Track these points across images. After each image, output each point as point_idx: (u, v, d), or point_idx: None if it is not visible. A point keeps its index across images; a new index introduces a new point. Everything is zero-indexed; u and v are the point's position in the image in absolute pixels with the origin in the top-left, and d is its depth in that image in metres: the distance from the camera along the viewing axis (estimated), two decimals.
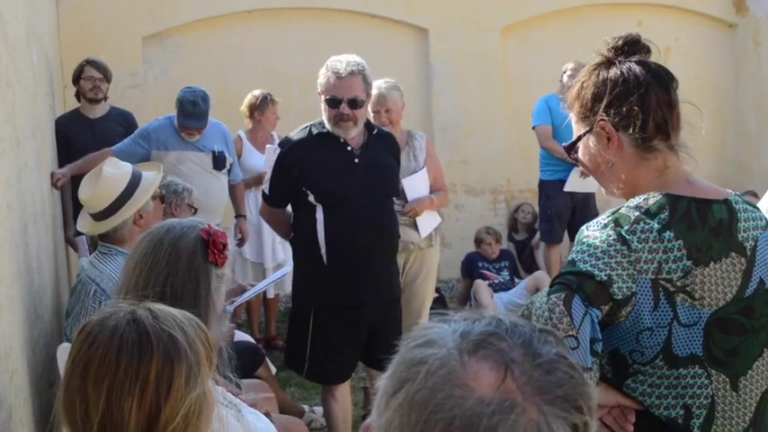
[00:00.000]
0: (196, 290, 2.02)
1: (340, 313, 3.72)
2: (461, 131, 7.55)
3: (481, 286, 6.52)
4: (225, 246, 2.10)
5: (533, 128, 6.58)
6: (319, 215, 3.66)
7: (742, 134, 8.20)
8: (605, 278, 1.66)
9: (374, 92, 4.57)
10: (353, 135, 3.70)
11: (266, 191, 3.85)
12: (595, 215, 6.76)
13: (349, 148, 3.70)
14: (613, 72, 1.80)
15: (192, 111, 5.03)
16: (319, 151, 3.67)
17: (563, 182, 6.39)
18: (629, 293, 1.68)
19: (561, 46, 7.42)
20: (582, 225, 1.85)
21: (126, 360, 1.40)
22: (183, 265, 2.04)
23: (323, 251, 3.67)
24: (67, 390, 1.42)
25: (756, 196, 6.36)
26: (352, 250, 3.66)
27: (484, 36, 7.49)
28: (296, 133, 3.79)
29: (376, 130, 3.85)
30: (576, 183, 6.32)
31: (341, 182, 3.66)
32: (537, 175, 6.72)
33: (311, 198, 3.67)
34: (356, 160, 3.70)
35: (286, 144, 3.78)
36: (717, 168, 7.78)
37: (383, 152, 3.83)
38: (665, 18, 7.86)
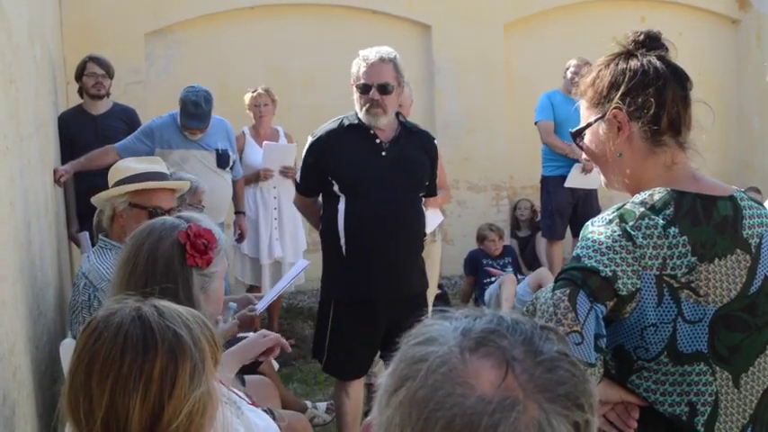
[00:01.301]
0: (175, 294, 1.99)
1: (356, 308, 3.74)
2: (464, 128, 7.55)
3: (510, 280, 6.39)
4: (207, 246, 2.08)
5: (536, 123, 6.58)
6: (341, 205, 3.70)
7: (744, 131, 8.19)
8: (610, 274, 1.66)
9: None
10: (384, 123, 3.71)
11: (298, 179, 3.92)
12: (598, 211, 6.76)
13: (378, 141, 3.72)
14: (634, 63, 1.81)
15: (194, 111, 5.03)
16: (347, 141, 3.71)
17: (565, 178, 6.39)
18: (633, 289, 1.68)
19: (564, 42, 7.41)
20: (584, 221, 1.85)
21: (130, 357, 1.40)
22: (159, 271, 2.03)
23: (342, 242, 3.71)
24: (72, 386, 1.42)
25: (759, 192, 6.34)
26: (369, 243, 3.68)
27: (487, 32, 7.49)
28: (327, 124, 3.84)
29: (410, 127, 3.87)
30: (576, 179, 6.32)
31: (364, 173, 3.69)
32: (539, 172, 6.71)
33: (336, 188, 3.71)
34: (383, 153, 3.71)
35: (317, 134, 3.84)
36: (719, 165, 7.76)
37: (415, 148, 3.82)
38: (668, 14, 7.85)
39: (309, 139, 3.83)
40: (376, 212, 3.65)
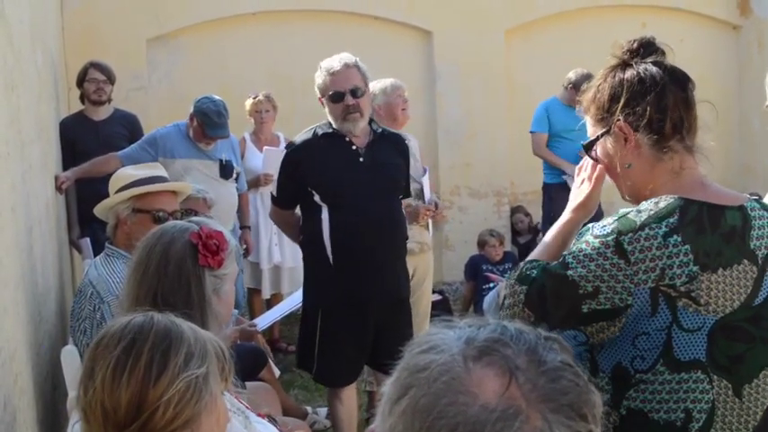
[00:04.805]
0: (187, 295, 2.01)
1: (346, 313, 3.73)
2: (465, 133, 7.54)
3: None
4: (219, 247, 2.09)
5: (531, 133, 6.59)
6: (324, 215, 3.69)
7: (746, 136, 8.18)
8: (591, 290, 1.69)
9: (388, 86, 4.65)
10: (361, 128, 3.71)
11: (274, 192, 3.89)
12: (600, 215, 6.75)
13: (354, 148, 3.71)
14: (630, 73, 1.81)
15: (219, 121, 5.02)
16: (324, 151, 3.70)
17: (566, 185, 6.39)
18: (621, 305, 1.68)
19: (565, 48, 7.41)
20: (583, 227, 1.85)
21: (127, 340, 1.43)
22: (171, 272, 2.03)
23: (328, 251, 3.70)
24: (81, 378, 1.46)
25: (760, 198, 6.35)
26: (356, 250, 3.67)
27: (488, 38, 7.49)
28: (301, 135, 3.83)
29: (381, 130, 3.86)
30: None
31: (344, 181, 3.68)
32: (540, 178, 6.71)
33: (317, 198, 3.70)
34: (361, 159, 3.71)
35: (292, 146, 3.82)
36: (720, 171, 7.75)
37: (390, 151, 3.83)
38: (669, 20, 7.85)
39: (284, 152, 3.82)
40: (360, 219, 3.65)
